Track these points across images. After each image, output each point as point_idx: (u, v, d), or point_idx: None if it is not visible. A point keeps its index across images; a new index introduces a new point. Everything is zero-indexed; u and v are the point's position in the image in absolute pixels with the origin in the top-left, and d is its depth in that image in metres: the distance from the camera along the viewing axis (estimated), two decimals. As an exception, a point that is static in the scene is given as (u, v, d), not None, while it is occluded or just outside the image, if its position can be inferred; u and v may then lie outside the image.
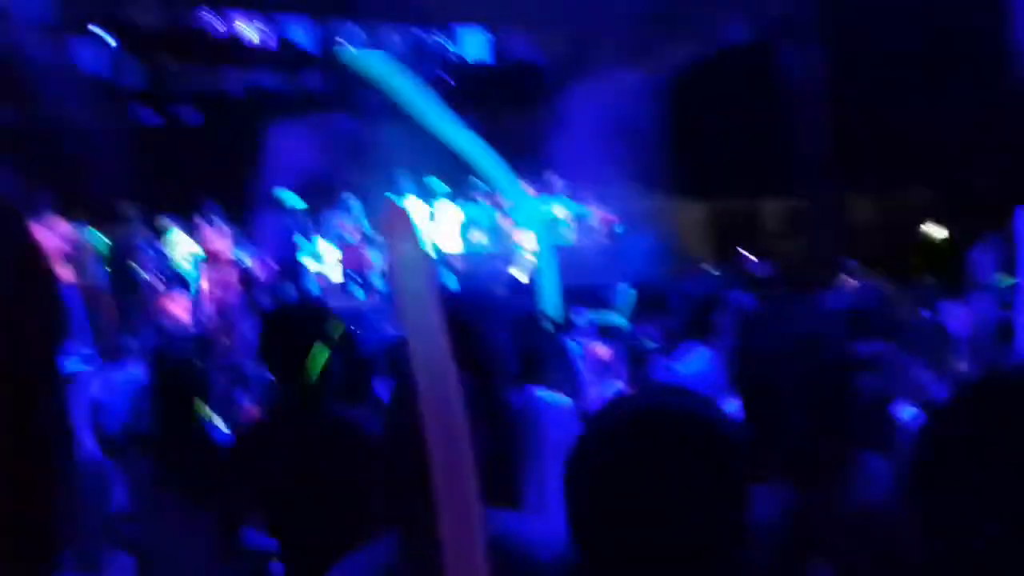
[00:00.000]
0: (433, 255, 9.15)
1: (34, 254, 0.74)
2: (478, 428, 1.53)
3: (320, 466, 2.28)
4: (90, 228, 8.50)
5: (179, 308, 7.92)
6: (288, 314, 2.83)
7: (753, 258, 9.64)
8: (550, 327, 4.14)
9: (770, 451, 1.76)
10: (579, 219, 9.95)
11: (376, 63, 4.22)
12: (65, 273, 7.94)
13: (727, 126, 10.77)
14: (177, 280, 8.47)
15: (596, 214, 10.13)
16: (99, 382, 5.44)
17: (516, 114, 11.13)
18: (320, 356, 2.38)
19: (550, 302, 4.25)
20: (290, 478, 2.31)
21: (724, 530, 1.03)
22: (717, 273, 7.94)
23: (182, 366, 3.41)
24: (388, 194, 7.72)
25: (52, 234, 7.99)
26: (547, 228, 5.19)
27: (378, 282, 8.63)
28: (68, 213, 8.28)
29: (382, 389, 3.03)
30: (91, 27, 8.62)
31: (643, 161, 10.05)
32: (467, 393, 1.19)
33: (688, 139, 11.02)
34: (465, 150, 4.25)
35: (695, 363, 4.07)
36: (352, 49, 4.35)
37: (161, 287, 8.36)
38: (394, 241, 1.13)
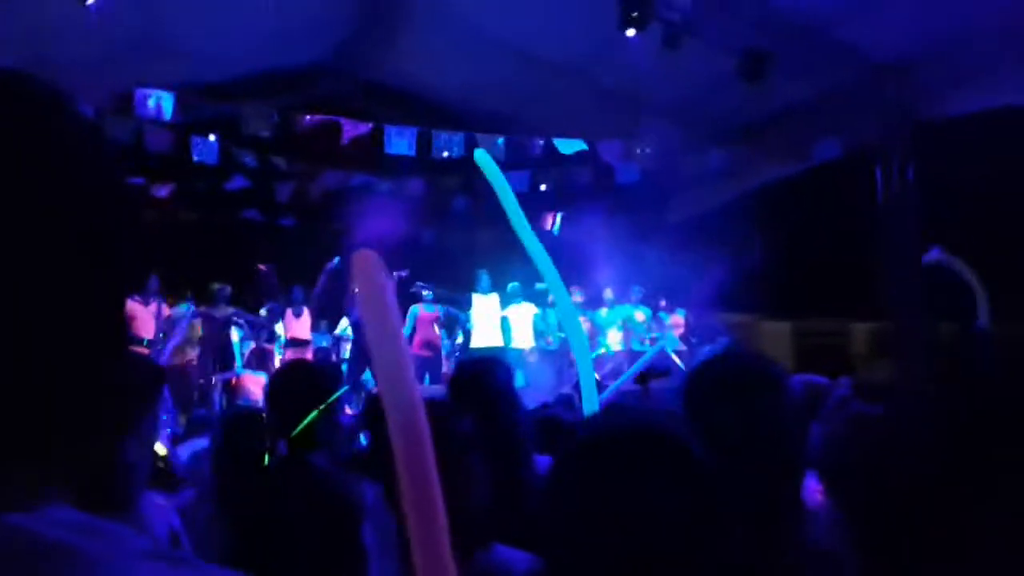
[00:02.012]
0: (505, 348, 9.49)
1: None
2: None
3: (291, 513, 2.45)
4: (187, 309, 9.04)
5: (257, 387, 8.34)
6: (290, 375, 2.99)
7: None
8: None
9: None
10: (655, 325, 10.07)
11: (485, 160, 4.62)
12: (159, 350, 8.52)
13: (816, 245, 10.72)
14: (261, 362, 8.96)
15: (672, 321, 10.21)
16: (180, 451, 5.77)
17: (605, 222, 11.40)
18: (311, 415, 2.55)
19: (588, 398, 4.33)
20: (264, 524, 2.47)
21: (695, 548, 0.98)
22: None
23: (245, 420, 3.63)
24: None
25: (151, 313, 8.60)
26: (581, 332, 5.30)
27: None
28: (170, 295, 8.90)
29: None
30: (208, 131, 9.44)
31: (729, 276, 10.12)
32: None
33: (776, 257, 11.02)
34: (532, 253, 4.42)
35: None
36: (480, 150, 4.82)
37: (245, 368, 8.82)
38: (362, 280, 1.16)
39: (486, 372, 2.45)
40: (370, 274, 1.20)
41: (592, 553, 0.97)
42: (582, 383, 4.36)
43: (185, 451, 5.69)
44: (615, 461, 1.00)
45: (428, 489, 1.07)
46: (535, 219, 12.12)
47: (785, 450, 1.42)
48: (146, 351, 8.29)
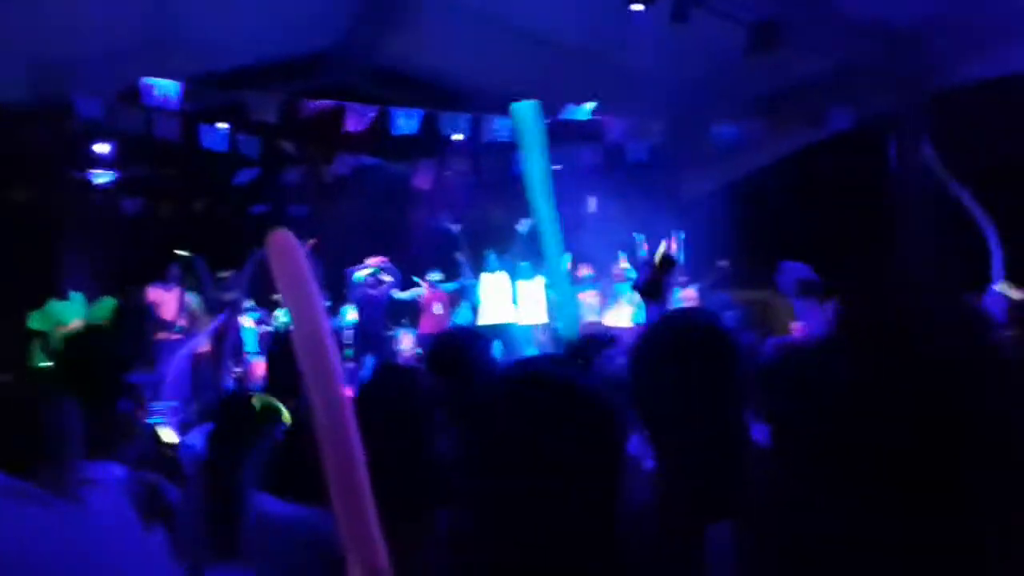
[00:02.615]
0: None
1: None
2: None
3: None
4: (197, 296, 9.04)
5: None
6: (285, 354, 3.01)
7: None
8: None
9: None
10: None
11: (529, 115, 4.42)
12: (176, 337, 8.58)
13: (830, 218, 10.59)
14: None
15: (684, 295, 10.17)
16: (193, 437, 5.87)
17: (617, 198, 11.33)
18: None
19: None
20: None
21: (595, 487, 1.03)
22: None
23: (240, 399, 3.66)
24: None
25: (171, 298, 8.65)
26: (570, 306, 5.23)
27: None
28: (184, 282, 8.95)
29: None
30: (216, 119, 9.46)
31: (744, 253, 10.04)
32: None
33: (790, 232, 10.90)
34: (542, 225, 4.39)
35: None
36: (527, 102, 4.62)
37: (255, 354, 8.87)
38: (280, 261, 1.21)
39: (462, 343, 2.47)
40: (287, 254, 1.22)
41: (481, 495, 1.02)
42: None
43: (196, 437, 5.77)
44: (505, 408, 1.03)
45: (351, 470, 1.10)
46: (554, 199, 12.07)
47: (725, 412, 1.42)
48: (175, 336, 8.37)
